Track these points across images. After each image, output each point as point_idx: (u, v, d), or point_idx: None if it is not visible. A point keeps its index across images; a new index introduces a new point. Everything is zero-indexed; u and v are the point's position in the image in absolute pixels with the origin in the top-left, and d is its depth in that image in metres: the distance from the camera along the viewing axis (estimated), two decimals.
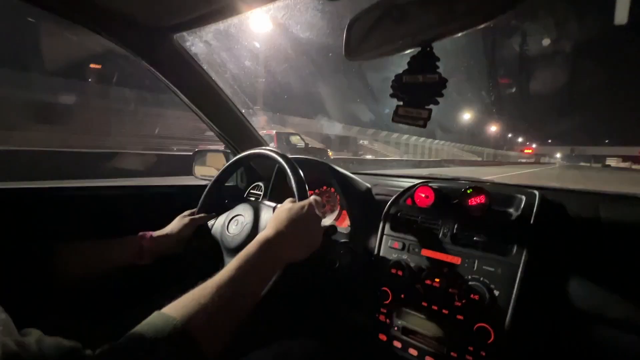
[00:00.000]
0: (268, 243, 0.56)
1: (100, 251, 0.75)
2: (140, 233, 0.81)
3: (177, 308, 0.41)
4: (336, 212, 1.07)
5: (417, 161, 22.86)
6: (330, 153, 14.02)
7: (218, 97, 1.05)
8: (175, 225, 0.86)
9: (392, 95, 0.56)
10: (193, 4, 0.72)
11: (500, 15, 0.44)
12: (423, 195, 0.83)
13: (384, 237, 0.85)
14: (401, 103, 0.54)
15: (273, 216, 0.64)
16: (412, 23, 0.53)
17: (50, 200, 0.91)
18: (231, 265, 0.50)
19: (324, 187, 1.13)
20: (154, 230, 0.84)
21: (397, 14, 0.55)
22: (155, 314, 0.39)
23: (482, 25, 0.47)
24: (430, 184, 0.85)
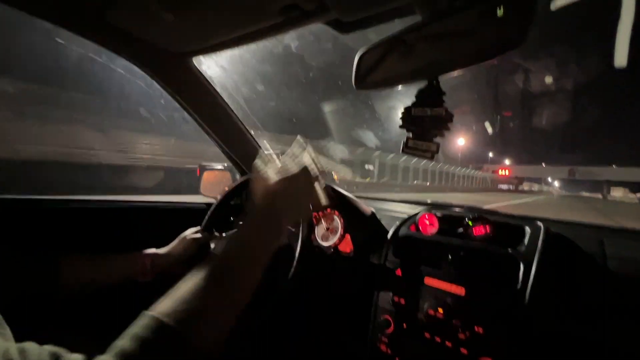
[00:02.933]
0: (262, 211, 0.52)
1: (104, 266, 0.76)
2: (144, 251, 0.81)
3: (164, 307, 0.39)
4: (339, 235, 1.07)
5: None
6: (335, 176, 13.84)
7: (229, 119, 1.08)
8: (178, 244, 0.87)
9: (401, 127, 0.58)
10: (214, 32, 0.77)
11: (501, 54, 0.46)
12: (427, 223, 0.83)
13: (387, 263, 0.84)
14: (410, 135, 0.56)
15: (258, 195, 0.56)
16: (419, 58, 0.56)
17: (58, 212, 0.92)
18: (217, 257, 0.47)
19: (328, 210, 1.14)
20: (158, 247, 0.84)
21: (404, 49, 0.58)
22: (142, 316, 0.38)
23: (485, 61, 0.49)
24: (434, 212, 0.86)
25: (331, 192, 0.68)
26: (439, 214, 0.85)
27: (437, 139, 0.55)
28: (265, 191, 0.54)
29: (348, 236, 1.04)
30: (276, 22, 0.67)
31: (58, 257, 0.69)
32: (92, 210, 0.99)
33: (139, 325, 0.37)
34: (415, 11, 0.58)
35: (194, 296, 0.41)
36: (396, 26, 0.62)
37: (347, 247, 1.04)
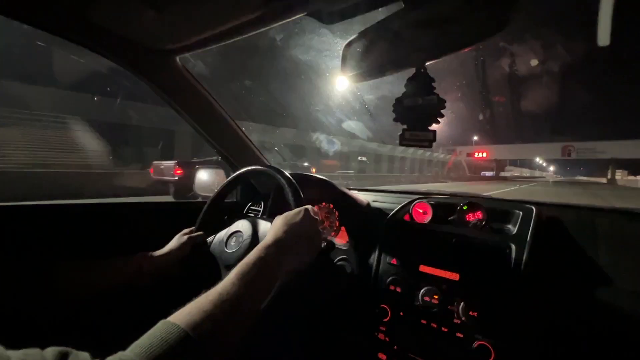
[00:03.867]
0: (266, 250, 0.57)
1: (100, 270, 0.75)
2: (140, 253, 0.80)
3: (182, 316, 0.41)
4: (335, 228, 1.08)
5: None
6: (314, 170, 13.87)
7: (219, 116, 1.07)
8: (173, 244, 0.86)
9: (395, 120, 0.58)
10: (197, 28, 0.76)
11: (487, 39, 0.46)
12: (421, 211, 0.83)
13: (382, 253, 0.85)
14: (405, 126, 0.56)
15: (271, 225, 0.65)
16: (405, 45, 0.56)
17: (51, 217, 0.91)
18: (232, 274, 0.51)
19: (323, 204, 1.14)
20: (153, 248, 0.83)
21: (390, 37, 0.58)
22: (161, 322, 0.40)
23: (471, 48, 0.49)
24: (427, 200, 0.86)
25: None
26: (432, 202, 0.85)
27: (433, 127, 0.55)
28: (272, 232, 0.61)
29: (343, 228, 1.04)
30: (259, 15, 0.66)
31: (52, 262, 0.69)
32: (82, 214, 0.98)
33: (158, 330, 0.38)
34: None
35: (213, 308, 0.43)
36: (380, 15, 0.62)
37: (342, 239, 1.04)
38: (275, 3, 0.61)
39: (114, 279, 0.76)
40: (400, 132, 0.57)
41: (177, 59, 0.93)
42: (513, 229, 0.73)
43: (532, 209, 0.75)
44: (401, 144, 0.58)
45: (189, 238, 0.87)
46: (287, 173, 0.76)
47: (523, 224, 0.72)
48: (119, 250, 0.78)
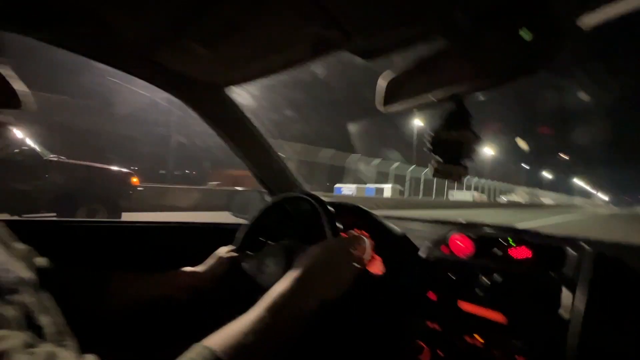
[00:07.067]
0: (297, 280, 0.57)
1: (146, 282, 0.80)
2: (181, 268, 0.85)
3: (218, 341, 0.42)
4: (369, 258, 1.06)
5: None
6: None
7: (259, 143, 1.13)
8: (211, 262, 0.90)
9: (429, 150, 0.58)
10: (244, 64, 0.83)
11: (531, 74, 0.46)
12: (460, 244, 0.80)
13: (419, 286, 0.81)
14: (438, 158, 0.56)
15: (305, 254, 0.65)
16: (443, 79, 0.56)
17: (100, 233, 1.01)
18: (264, 301, 0.52)
19: (356, 230, 1.13)
20: (191, 266, 0.88)
21: (429, 70, 0.59)
22: (197, 346, 0.41)
23: (511, 82, 0.49)
24: (466, 232, 0.82)
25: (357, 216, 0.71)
26: (472, 234, 0.81)
27: (465, 161, 0.54)
28: (303, 261, 0.61)
29: (378, 258, 1.02)
30: (304, 53, 0.71)
31: (107, 273, 0.74)
32: (130, 232, 1.06)
33: (194, 353, 0.40)
34: (438, 33, 0.58)
35: (246, 335, 0.45)
36: (420, 48, 0.63)
37: (377, 268, 1.02)
38: (321, 42, 0.65)
39: (157, 292, 0.80)
40: (433, 162, 0.56)
41: (225, 90, 1.01)
42: (565, 268, 0.67)
43: (585, 247, 0.69)
44: (433, 176, 0.57)
45: (226, 257, 0.90)
46: (323, 200, 0.78)
47: (576, 263, 0.66)
48: (159, 267, 0.83)
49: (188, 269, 0.86)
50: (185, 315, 0.89)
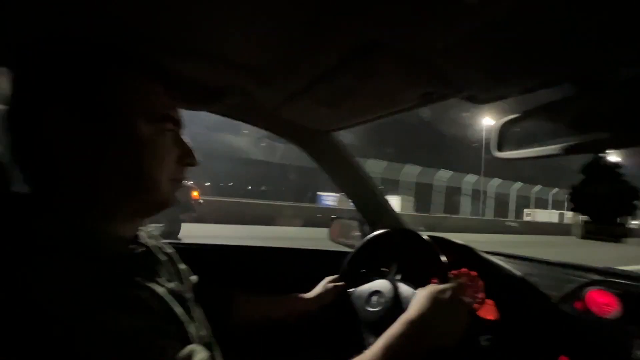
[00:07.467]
0: (412, 326, 0.59)
1: (268, 306, 0.90)
2: (293, 294, 0.94)
3: None
4: (479, 300, 0.99)
5: None
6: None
7: (361, 178, 1.21)
8: (320, 290, 0.97)
9: (573, 210, 0.52)
10: (354, 116, 0.92)
11: None
12: (601, 302, 0.69)
13: (546, 346, 0.72)
14: (587, 217, 0.50)
15: (416, 298, 0.66)
16: (574, 131, 0.52)
17: (223, 257, 1.20)
18: (378, 345, 0.55)
19: (464, 270, 1.07)
20: (293, 289, 0.95)
21: (561, 120, 0.55)
22: None
23: None
24: (608, 287, 0.70)
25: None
26: (617, 290, 0.69)
27: (624, 219, 0.47)
28: (417, 307, 0.62)
29: (491, 302, 0.95)
30: (412, 103, 0.76)
31: (236, 293, 0.85)
32: (244, 256, 1.23)
33: None
34: (566, 81, 0.55)
35: None
36: (542, 94, 0.60)
37: (489, 313, 0.94)
38: (432, 95, 0.68)
39: (275, 316, 0.89)
40: (580, 222, 0.50)
41: (333, 134, 1.13)
42: None
43: None
44: (583, 237, 0.51)
45: (334, 286, 0.97)
46: (431, 242, 0.78)
47: None
48: (265, 289, 0.92)
49: (300, 295, 0.95)
50: (295, 338, 0.98)
